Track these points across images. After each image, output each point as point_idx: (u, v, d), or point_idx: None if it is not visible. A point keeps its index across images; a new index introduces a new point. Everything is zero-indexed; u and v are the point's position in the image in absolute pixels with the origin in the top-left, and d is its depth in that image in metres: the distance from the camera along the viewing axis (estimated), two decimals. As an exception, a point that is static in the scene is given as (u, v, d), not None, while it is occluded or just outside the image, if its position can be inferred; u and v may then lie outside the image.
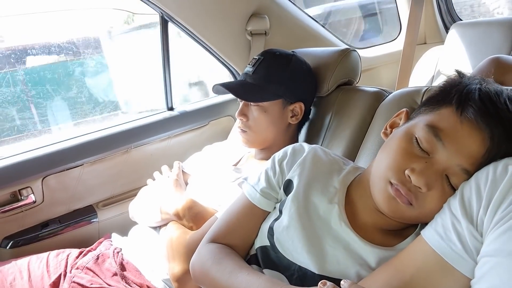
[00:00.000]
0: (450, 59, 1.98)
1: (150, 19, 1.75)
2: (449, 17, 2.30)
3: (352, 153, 1.23)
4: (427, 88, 1.09)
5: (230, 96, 1.88)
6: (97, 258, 1.29)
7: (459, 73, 0.82)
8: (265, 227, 0.90)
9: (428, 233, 0.70)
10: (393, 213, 0.77)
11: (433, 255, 0.67)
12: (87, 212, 1.70)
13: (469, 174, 0.70)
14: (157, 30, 1.72)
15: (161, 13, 1.69)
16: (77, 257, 1.35)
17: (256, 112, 1.34)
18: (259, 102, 1.33)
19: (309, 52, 1.54)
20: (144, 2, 1.64)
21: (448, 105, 0.74)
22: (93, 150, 1.68)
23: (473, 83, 0.75)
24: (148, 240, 1.32)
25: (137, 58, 2.31)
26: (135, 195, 1.52)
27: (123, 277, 1.23)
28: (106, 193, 1.75)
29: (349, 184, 0.89)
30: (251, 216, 0.93)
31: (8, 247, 1.57)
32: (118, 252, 1.31)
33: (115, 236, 1.43)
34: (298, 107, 1.36)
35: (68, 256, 1.36)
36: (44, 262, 1.34)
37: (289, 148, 0.97)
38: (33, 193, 1.59)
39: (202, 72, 2.51)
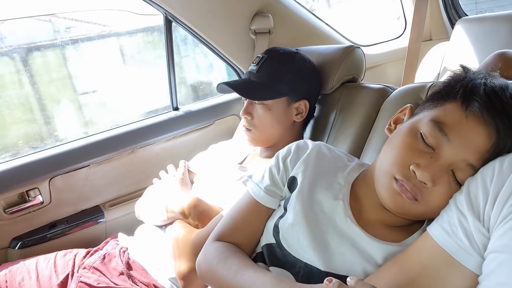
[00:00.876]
0: (456, 55, 1.97)
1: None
2: (455, 13, 2.28)
3: (357, 150, 1.22)
4: (432, 84, 1.08)
5: (235, 95, 1.90)
6: (104, 258, 1.30)
7: (464, 68, 0.81)
8: (270, 224, 0.90)
9: (434, 230, 0.70)
10: (399, 209, 0.76)
11: (439, 252, 0.66)
12: (94, 213, 1.71)
13: (475, 169, 0.69)
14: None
15: (165, 13, 1.70)
16: (84, 257, 1.36)
17: (260, 111, 1.34)
18: (264, 100, 1.33)
19: (313, 49, 1.54)
20: (148, 3, 1.64)
21: (453, 100, 0.74)
22: (99, 150, 1.68)
23: (478, 78, 0.74)
24: (154, 239, 1.32)
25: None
26: (142, 195, 1.53)
27: (130, 276, 1.24)
28: (113, 193, 1.76)
29: (353, 181, 0.89)
30: (256, 214, 0.92)
31: (17, 248, 1.58)
32: (124, 252, 1.32)
33: (121, 235, 1.44)
34: (303, 104, 1.36)
35: (75, 256, 1.37)
36: (52, 262, 1.35)
37: (293, 145, 0.96)
38: (40, 194, 1.60)
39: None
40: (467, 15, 2.27)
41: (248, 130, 1.37)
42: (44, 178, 1.60)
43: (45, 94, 2.22)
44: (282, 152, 0.96)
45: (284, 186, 0.92)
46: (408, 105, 0.87)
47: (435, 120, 0.73)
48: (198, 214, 1.23)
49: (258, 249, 0.90)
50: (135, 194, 1.76)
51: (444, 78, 2.02)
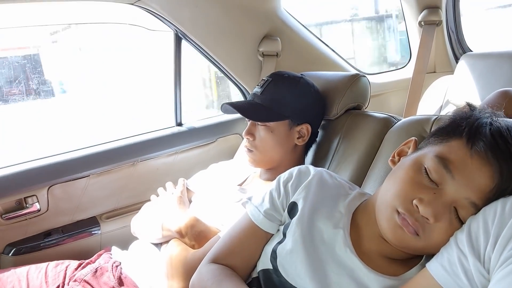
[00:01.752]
0: (459, 89, 1.99)
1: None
2: (460, 47, 2.31)
3: (359, 178, 1.22)
4: (437, 117, 1.09)
5: (239, 114, 1.90)
6: (96, 271, 1.28)
7: (470, 105, 0.82)
8: (268, 249, 0.89)
9: (434, 267, 0.69)
10: (399, 242, 0.76)
11: None
12: (90, 224, 1.70)
13: (477, 208, 0.70)
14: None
15: (176, 30, 1.72)
16: (75, 269, 1.34)
17: (263, 132, 1.35)
18: (266, 122, 1.34)
19: (320, 75, 1.55)
20: (159, 19, 1.67)
21: (459, 137, 0.74)
22: (100, 161, 1.68)
23: (484, 117, 0.75)
24: (148, 256, 1.31)
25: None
26: (139, 208, 1.52)
27: (121, 292, 1.22)
28: (110, 205, 1.75)
29: (354, 210, 0.89)
30: (254, 238, 0.92)
31: (10, 254, 1.57)
32: (117, 266, 1.30)
33: (115, 249, 1.42)
34: (305, 128, 1.37)
35: (67, 267, 1.36)
36: (43, 272, 1.34)
37: (294, 169, 0.96)
38: (38, 201, 1.59)
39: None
40: (471, 51, 2.30)
41: (249, 151, 1.38)
42: (43, 186, 1.60)
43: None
44: (283, 176, 0.96)
45: (284, 211, 0.92)
46: (413, 138, 0.88)
47: (440, 156, 0.74)
48: (195, 234, 1.22)
49: (254, 274, 0.90)
50: (133, 207, 1.75)
51: (446, 111, 2.04)
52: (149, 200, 1.51)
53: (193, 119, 1.97)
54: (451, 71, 2.20)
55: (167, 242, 1.30)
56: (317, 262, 0.82)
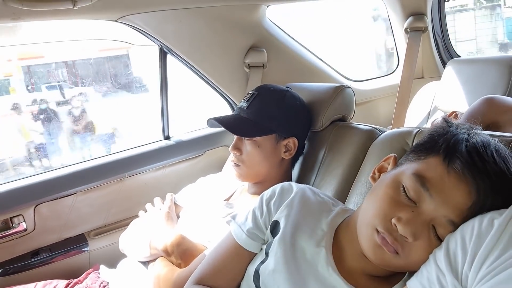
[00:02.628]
0: (446, 95, 1.99)
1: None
2: (447, 53, 2.33)
3: (344, 192, 1.22)
4: (419, 130, 1.09)
5: (225, 127, 1.90)
6: (83, 292, 1.27)
7: (447, 121, 0.82)
8: (251, 269, 0.89)
9: (413, 285, 0.70)
10: (379, 260, 0.76)
11: None
12: (79, 241, 1.69)
13: (455, 226, 0.70)
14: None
15: (160, 45, 1.72)
16: (63, 289, 1.33)
17: (249, 147, 1.34)
18: (252, 137, 1.33)
19: (304, 87, 1.55)
20: (144, 35, 1.67)
21: (436, 154, 0.75)
22: (87, 178, 1.67)
23: (461, 133, 0.75)
24: (135, 275, 1.30)
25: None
26: (128, 224, 1.51)
27: (108, 313, 1.21)
28: (99, 221, 1.74)
29: (337, 227, 0.89)
30: (237, 258, 0.91)
31: (-2, 275, 1.55)
32: (104, 286, 1.29)
33: (103, 268, 1.41)
34: (292, 142, 1.37)
35: (54, 287, 1.35)
36: (30, 293, 1.32)
37: (277, 187, 0.96)
38: (24, 221, 1.58)
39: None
40: (459, 56, 2.31)
41: (236, 165, 1.37)
42: (29, 205, 1.59)
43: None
44: (266, 194, 0.96)
45: (266, 229, 0.91)
46: (392, 155, 0.88)
47: (417, 174, 0.74)
48: (181, 253, 1.22)
49: (239, 294, 0.89)
50: (122, 223, 1.74)
51: (434, 117, 2.05)
52: (138, 215, 1.50)
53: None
54: (438, 76, 2.21)
55: (154, 260, 1.29)
56: (299, 281, 0.81)
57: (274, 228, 0.90)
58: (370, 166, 1.16)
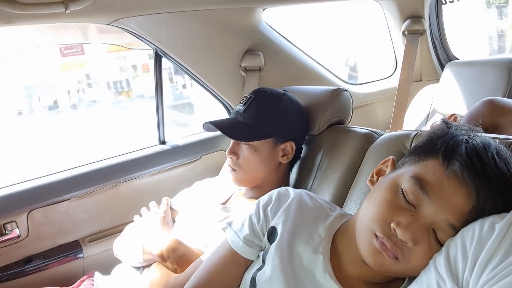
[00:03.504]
0: (445, 97, 1.98)
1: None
2: (445, 55, 2.31)
3: (341, 196, 1.20)
4: (417, 133, 1.08)
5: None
6: (77, 300, 1.25)
7: (446, 122, 0.80)
8: (247, 277, 0.87)
9: None
10: (378, 266, 0.74)
11: None
12: (73, 248, 1.67)
13: (455, 230, 0.68)
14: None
15: (155, 49, 1.71)
16: (57, 297, 1.31)
17: (246, 151, 1.32)
18: (249, 141, 1.31)
19: (301, 90, 1.54)
20: (139, 39, 1.65)
21: (435, 156, 0.73)
22: (81, 184, 1.65)
23: (460, 134, 0.74)
24: (130, 282, 1.28)
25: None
26: (123, 230, 1.49)
27: (102, 321, 1.18)
28: (93, 228, 1.72)
29: (335, 232, 0.87)
30: (233, 265, 0.89)
31: (-9, 283, 1.53)
32: (99, 294, 1.27)
33: (97, 275, 1.39)
34: (289, 146, 1.35)
35: (48, 295, 1.32)
36: (23, 301, 1.30)
37: (274, 192, 0.94)
38: (17, 227, 1.56)
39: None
40: (457, 58, 2.30)
41: (233, 170, 1.35)
42: (22, 211, 1.56)
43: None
44: (263, 199, 0.94)
45: (263, 236, 0.89)
46: (391, 157, 0.86)
47: (416, 177, 0.72)
48: (177, 258, 1.19)
49: (234, 302, 0.87)
50: (117, 229, 1.72)
51: (433, 120, 2.03)
52: (133, 221, 1.48)
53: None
54: (437, 79, 2.20)
55: (149, 266, 1.27)
56: None
57: (271, 234, 0.88)
58: (368, 170, 1.14)
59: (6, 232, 1.54)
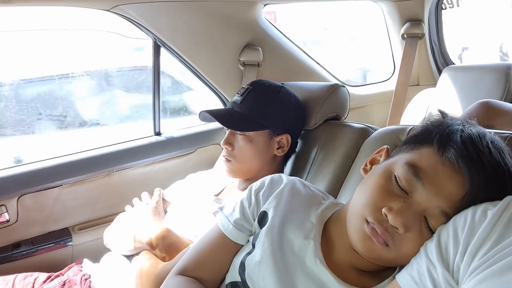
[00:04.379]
0: (441, 101, 1.99)
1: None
2: (442, 60, 2.32)
3: (335, 189, 1.20)
4: (412, 127, 1.08)
5: (219, 124, 1.87)
6: (64, 284, 1.24)
7: (442, 113, 0.80)
8: (237, 261, 0.86)
9: (403, 278, 0.67)
10: (369, 253, 0.73)
11: None
12: (62, 235, 1.65)
13: (447, 217, 0.67)
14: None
15: (154, 38, 1.70)
16: (44, 282, 1.30)
17: (241, 142, 1.32)
18: (245, 131, 1.31)
19: (299, 85, 1.54)
20: (138, 27, 1.65)
21: (430, 145, 0.73)
22: (73, 171, 1.64)
23: (456, 124, 0.74)
24: (119, 269, 1.27)
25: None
26: (114, 220, 1.47)
27: (88, 306, 1.17)
28: (84, 216, 1.70)
29: (326, 220, 0.86)
30: (223, 249, 0.88)
31: (-23, 267, 1.50)
32: (86, 279, 1.26)
33: (86, 262, 1.38)
34: (285, 139, 1.35)
35: (35, 280, 1.31)
36: (10, 285, 1.30)
37: (267, 178, 0.94)
38: (7, 211, 1.54)
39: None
40: (454, 63, 2.31)
41: (227, 160, 1.35)
42: (12, 195, 1.55)
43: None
44: (255, 185, 0.93)
45: (254, 220, 0.88)
46: (385, 146, 0.86)
47: (410, 164, 0.72)
48: (166, 246, 1.18)
49: (223, 287, 0.86)
50: (107, 219, 1.70)
51: (426, 122, 2.03)
52: (124, 211, 1.46)
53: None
54: (434, 84, 2.21)
55: (138, 254, 1.25)
56: (286, 274, 0.78)
57: (262, 219, 0.87)
58: (361, 164, 1.12)
59: (-5, 216, 1.52)
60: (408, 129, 1.08)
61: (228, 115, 1.35)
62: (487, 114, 1.42)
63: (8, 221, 1.55)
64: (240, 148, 1.32)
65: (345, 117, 1.47)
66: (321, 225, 0.85)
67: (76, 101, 2.39)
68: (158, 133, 1.87)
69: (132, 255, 1.28)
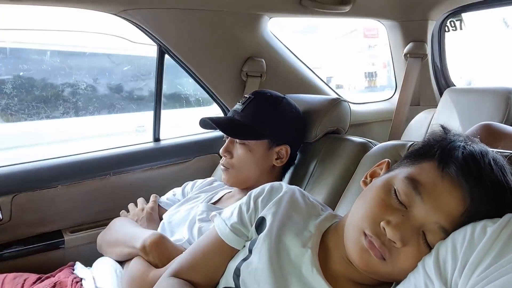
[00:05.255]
0: (442, 122, 1.97)
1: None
2: (444, 82, 2.34)
3: (332, 202, 1.19)
4: (413, 143, 1.08)
5: (219, 133, 1.86)
6: (54, 286, 1.21)
7: (444, 128, 0.80)
8: (232, 266, 0.85)
9: None
10: (365, 266, 0.72)
11: None
12: (55, 237, 1.62)
13: (446, 233, 0.67)
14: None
15: (160, 45, 1.71)
16: (34, 283, 1.27)
17: (240, 150, 1.31)
18: (245, 140, 1.31)
19: (301, 98, 1.54)
20: (144, 33, 1.66)
21: (430, 159, 0.72)
22: (70, 172, 1.63)
23: (458, 140, 0.73)
24: (110, 274, 1.24)
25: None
26: (108, 224, 1.46)
27: (77, 309, 1.15)
28: (78, 219, 1.68)
29: (324, 231, 0.85)
30: (218, 253, 0.87)
31: (-33, 265, 1.48)
32: (77, 282, 1.23)
33: (78, 265, 1.35)
34: (284, 149, 1.34)
35: (25, 280, 1.28)
36: (-1, 284, 1.26)
37: (267, 185, 0.93)
38: (0, 210, 1.52)
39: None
40: (455, 85, 2.33)
41: (226, 169, 1.34)
42: (7, 194, 1.53)
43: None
44: (255, 191, 0.93)
45: (252, 226, 0.87)
46: (386, 160, 0.86)
47: (410, 178, 0.71)
48: (160, 253, 1.16)
49: (216, 292, 0.85)
50: (101, 223, 1.68)
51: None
52: (119, 215, 1.45)
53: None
54: (435, 105, 2.22)
55: (131, 259, 1.23)
56: (281, 281, 0.77)
57: (260, 224, 0.86)
58: (360, 178, 1.09)
59: (-12, 214, 1.51)
60: (409, 145, 1.08)
61: (228, 123, 1.35)
62: (488, 136, 1.42)
63: (1, 219, 1.53)
64: (239, 157, 1.32)
65: (345, 131, 1.47)
66: (319, 235, 0.84)
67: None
68: (157, 139, 1.87)
69: (125, 261, 1.27)
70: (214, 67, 1.82)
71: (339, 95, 2.21)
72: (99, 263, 1.34)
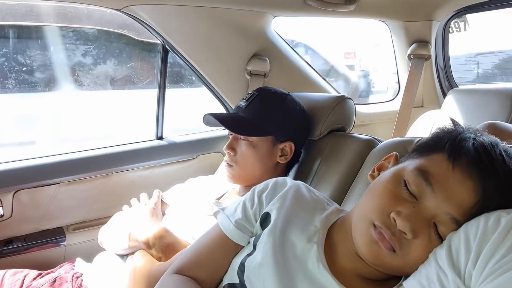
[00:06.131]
0: (446, 123, 1.97)
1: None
2: (447, 83, 2.33)
3: (338, 198, 1.18)
4: (420, 139, 1.06)
5: (222, 132, 1.87)
6: (54, 281, 1.21)
7: (453, 121, 0.79)
8: (236, 262, 0.83)
9: (411, 285, 0.65)
10: (374, 258, 0.71)
11: None
12: (56, 234, 1.61)
13: (458, 224, 0.65)
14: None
15: (163, 42, 1.70)
16: (34, 279, 1.26)
17: (244, 147, 1.30)
18: (249, 136, 1.30)
19: (305, 95, 1.53)
20: (148, 30, 1.65)
21: (440, 151, 0.71)
22: (72, 169, 1.61)
23: (468, 132, 0.72)
24: (112, 268, 1.23)
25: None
26: (109, 221, 1.45)
27: (78, 304, 1.14)
28: (79, 216, 1.67)
29: (331, 225, 0.84)
30: (222, 249, 0.86)
31: (-33, 260, 1.47)
32: (78, 277, 1.22)
33: (79, 260, 1.34)
34: (288, 146, 1.33)
35: (25, 276, 1.28)
36: (-1, 280, 1.25)
37: (271, 181, 0.92)
38: (1, 206, 1.51)
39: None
40: (458, 86, 2.32)
41: (229, 166, 1.33)
42: (8, 190, 1.52)
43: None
44: (259, 186, 0.92)
45: (256, 221, 0.86)
46: (394, 153, 0.84)
47: (420, 169, 0.70)
48: (163, 246, 1.16)
49: (220, 288, 0.83)
50: (103, 221, 1.64)
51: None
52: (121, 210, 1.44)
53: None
54: (438, 106, 2.21)
55: (133, 253, 1.22)
56: (287, 277, 0.76)
57: (265, 220, 0.85)
58: (367, 174, 1.10)
59: (-11, 209, 1.49)
60: (416, 141, 1.07)
61: (232, 119, 1.34)
62: (494, 135, 1.41)
63: (2, 215, 1.52)
64: (243, 154, 1.31)
65: (350, 129, 1.46)
66: (325, 229, 0.82)
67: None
68: (160, 137, 1.86)
69: (127, 255, 1.26)
70: (218, 65, 1.81)
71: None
72: (100, 257, 1.33)
